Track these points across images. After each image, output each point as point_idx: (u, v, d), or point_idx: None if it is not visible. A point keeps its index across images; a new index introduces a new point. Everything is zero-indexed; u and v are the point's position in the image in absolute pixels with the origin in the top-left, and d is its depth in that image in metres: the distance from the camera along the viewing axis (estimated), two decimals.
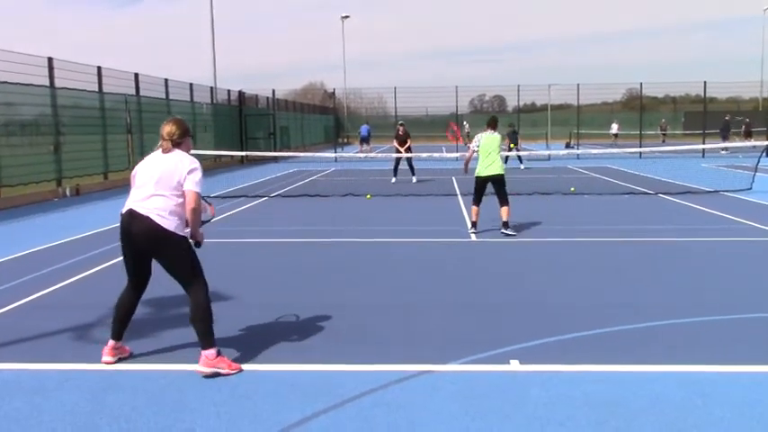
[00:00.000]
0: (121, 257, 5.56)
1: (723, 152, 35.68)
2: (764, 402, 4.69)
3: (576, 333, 6.24)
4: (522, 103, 45.78)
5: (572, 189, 19.06)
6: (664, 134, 53.76)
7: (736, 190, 18.08)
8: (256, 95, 41.62)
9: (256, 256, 10.39)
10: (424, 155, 27.42)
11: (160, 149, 5.44)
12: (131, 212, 5.27)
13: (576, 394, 4.84)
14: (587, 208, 15.55)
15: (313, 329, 6.44)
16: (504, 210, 11.71)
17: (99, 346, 5.80)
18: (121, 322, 5.53)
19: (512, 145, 27.63)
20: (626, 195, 17.84)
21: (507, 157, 26.88)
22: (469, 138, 57.95)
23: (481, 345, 5.90)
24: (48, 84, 19.37)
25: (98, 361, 5.54)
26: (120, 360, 5.60)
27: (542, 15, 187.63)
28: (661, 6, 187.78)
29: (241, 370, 5.38)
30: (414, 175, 22.21)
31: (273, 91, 41.45)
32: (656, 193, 17.98)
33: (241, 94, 38.10)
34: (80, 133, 20.94)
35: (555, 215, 14.04)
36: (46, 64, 19.35)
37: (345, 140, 58.31)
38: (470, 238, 11.58)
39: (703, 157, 34.75)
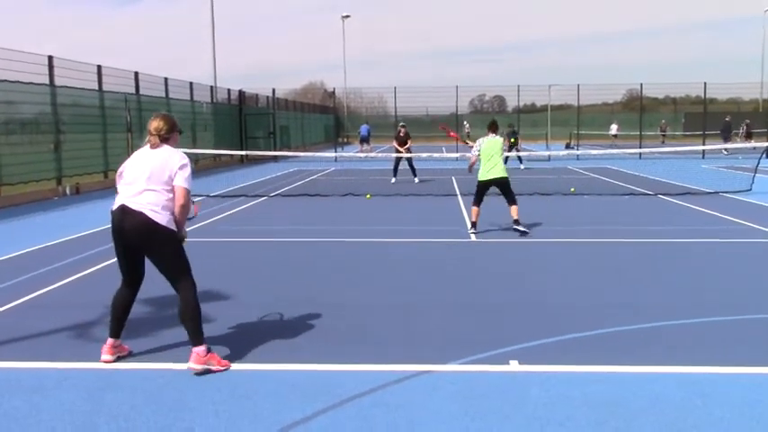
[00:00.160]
0: None
1: (725, 152, 35.65)
2: (764, 403, 4.69)
3: (576, 333, 6.24)
4: (522, 104, 45.83)
5: (572, 189, 19.06)
6: (663, 135, 53.70)
7: (735, 191, 18.08)
8: (256, 95, 41.61)
9: (256, 255, 10.38)
10: (424, 155, 27.41)
11: (148, 145, 5.44)
12: (124, 208, 5.26)
13: (575, 394, 4.83)
14: (587, 208, 15.55)
15: (313, 329, 6.44)
16: (514, 209, 11.66)
17: (98, 344, 5.79)
18: (118, 321, 5.54)
19: (512, 140, 27.59)
20: (626, 196, 17.84)
21: (507, 158, 26.83)
22: (470, 138, 58.11)
23: (481, 345, 5.89)
24: (48, 82, 19.36)
25: (97, 360, 5.54)
26: (119, 359, 5.60)
27: (542, 15, 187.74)
28: (661, 6, 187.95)
29: (230, 367, 5.41)
30: (415, 175, 22.17)
31: (273, 90, 41.48)
32: (656, 194, 17.98)
33: (241, 93, 38.09)
34: (80, 132, 20.93)
35: (555, 216, 14.03)
36: (46, 62, 19.34)
37: (345, 140, 58.31)
38: (470, 238, 11.57)
39: (703, 158, 34.75)
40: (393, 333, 6.32)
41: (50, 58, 19.51)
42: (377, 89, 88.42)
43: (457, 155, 28.53)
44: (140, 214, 5.20)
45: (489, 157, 11.68)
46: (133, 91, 24.65)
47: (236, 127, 36.40)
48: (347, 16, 64.04)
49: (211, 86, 34.26)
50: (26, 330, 6.42)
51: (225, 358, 5.61)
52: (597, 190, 19.28)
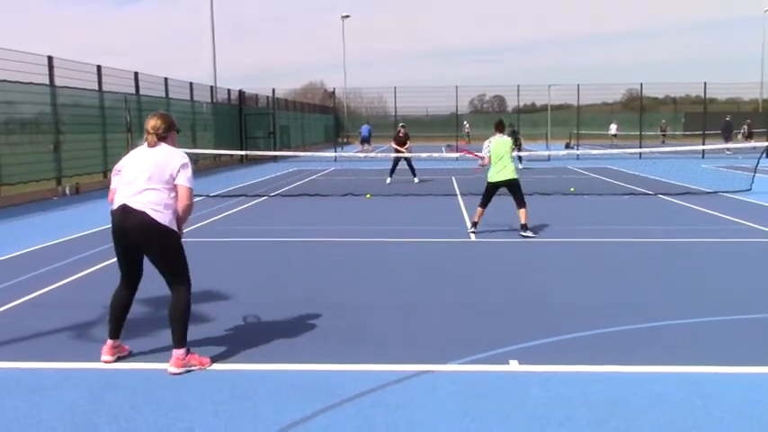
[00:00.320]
0: None
1: (728, 152, 35.59)
2: (764, 403, 4.69)
3: (576, 333, 6.24)
4: (522, 104, 45.84)
5: (572, 189, 19.05)
6: (663, 135, 53.67)
7: (735, 191, 18.08)
8: (256, 95, 41.61)
9: (255, 255, 10.38)
10: (424, 155, 27.40)
11: (145, 144, 5.44)
12: (125, 207, 5.26)
13: (575, 394, 4.83)
14: (587, 208, 15.56)
15: (312, 329, 6.44)
16: (522, 212, 11.52)
17: (98, 344, 5.79)
18: (117, 321, 5.54)
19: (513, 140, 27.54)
20: (626, 196, 17.83)
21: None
22: (469, 138, 58.10)
23: (481, 345, 5.89)
24: (48, 82, 19.36)
25: (97, 360, 5.54)
26: (119, 359, 5.60)
27: (542, 15, 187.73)
28: (661, 6, 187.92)
29: (211, 363, 5.43)
30: (415, 175, 22.14)
31: (273, 90, 41.48)
32: (656, 194, 17.98)
33: (241, 93, 38.09)
34: (80, 132, 20.92)
35: (555, 215, 14.03)
36: (46, 63, 19.33)
37: (345, 140, 58.30)
38: (469, 237, 11.57)
39: (703, 157, 34.75)
40: (393, 333, 6.32)
41: (50, 58, 19.50)
42: (377, 89, 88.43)
43: (456, 155, 28.51)
44: (142, 214, 5.20)
45: (499, 157, 11.52)
46: (133, 91, 24.64)
47: (236, 127, 36.39)
48: (347, 16, 64.06)
49: (211, 86, 34.26)
50: (26, 330, 6.42)
51: (224, 358, 5.62)
52: (597, 190, 19.28)
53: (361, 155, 38.54)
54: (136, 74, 25.01)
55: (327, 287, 8.17)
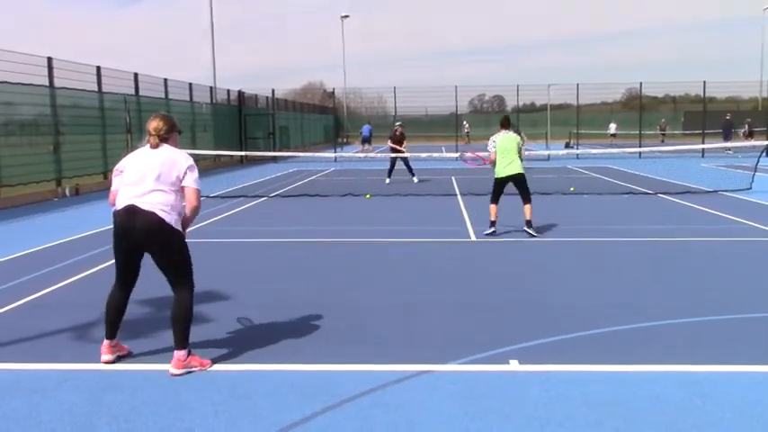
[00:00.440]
0: None
1: (729, 152, 35.53)
2: (764, 402, 4.69)
3: (576, 333, 6.24)
4: (521, 103, 45.85)
5: (572, 189, 19.06)
6: (663, 134, 53.60)
7: (735, 190, 18.09)
8: (256, 95, 41.60)
9: (255, 255, 10.38)
10: (424, 155, 27.40)
11: (147, 145, 5.44)
12: (133, 208, 5.25)
13: (575, 394, 4.83)
14: (587, 208, 15.56)
15: (312, 329, 6.44)
16: (527, 208, 11.50)
17: (98, 345, 5.78)
18: (113, 322, 5.53)
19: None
20: (625, 195, 17.84)
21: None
22: (469, 137, 58.11)
23: (481, 345, 5.89)
24: (47, 83, 19.35)
25: (97, 361, 5.54)
26: (119, 359, 5.60)
27: (542, 15, 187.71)
28: (661, 6, 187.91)
29: (211, 365, 5.42)
30: (413, 175, 22.11)
31: (273, 91, 41.46)
32: (656, 193, 17.98)
33: (240, 93, 38.08)
34: (79, 133, 20.91)
35: (554, 215, 14.02)
36: (45, 64, 19.33)
37: (345, 140, 58.29)
38: (469, 237, 11.57)
39: (703, 156, 34.75)
40: (393, 333, 6.32)
41: (50, 59, 19.50)
42: (376, 89, 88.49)
43: (456, 155, 28.47)
44: (152, 214, 5.21)
45: (506, 153, 11.51)
46: (133, 92, 24.64)
47: (236, 127, 36.39)
48: (346, 16, 64.06)
49: (211, 87, 34.26)
50: (26, 331, 6.42)
51: (224, 359, 5.63)
52: (597, 189, 19.28)
53: (361, 155, 38.53)
54: (135, 75, 25.00)
55: (327, 287, 8.17)
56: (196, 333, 6.19)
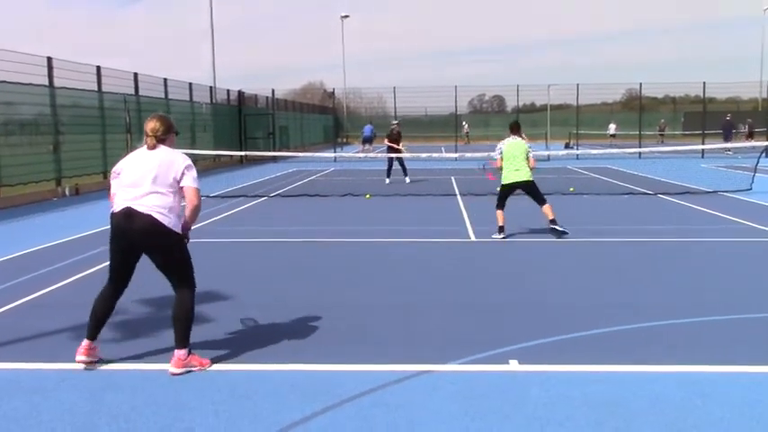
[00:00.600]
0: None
1: (729, 153, 35.50)
2: (764, 402, 4.69)
3: (576, 333, 6.24)
4: (521, 104, 45.83)
5: (571, 189, 19.05)
6: (662, 135, 53.47)
7: (735, 190, 18.09)
8: (255, 95, 41.59)
9: (255, 255, 10.38)
10: (423, 155, 27.39)
11: (144, 146, 5.41)
12: (130, 211, 5.23)
13: (575, 394, 4.83)
14: (587, 208, 15.55)
15: (312, 329, 6.44)
16: (547, 209, 11.29)
17: (98, 344, 5.79)
18: (98, 322, 5.48)
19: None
20: (625, 195, 17.84)
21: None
22: (468, 138, 58.12)
23: (481, 345, 5.89)
24: (47, 83, 19.35)
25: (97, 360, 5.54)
26: (117, 360, 5.60)
27: (542, 15, 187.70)
28: (660, 6, 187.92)
29: (211, 364, 5.42)
30: (406, 175, 22.08)
31: (273, 91, 41.46)
32: (656, 194, 17.99)
33: (240, 93, 38.08)
34: (79, 133, 20.91)
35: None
36: (45, 63, 19.33)
37: (345, 140, 58.29)
38: (469, 237, 11.57)
39: (702, 157, 34.75)
40: (393, 333, 6.32)
41: (49, 59, 19.50)
42: (376, 89, 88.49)
43: (456, 155, 28.50)
44: (148, 217, 5.19)
45: (512, 158, 11.29)
46: (132, 92, 24.64)
47: (236, 127, 36.38)
48: (346, 16, 64.03)
49: (210, 87, 34.25)
50: (26, 331, 6.42)
51: (224, 358, 5.63)
52: (597, 189, 19.28)
53: (361, 155, 38.52)
54: (135, 74, 25.00)
55: (327, 287, 8.17)
56: (196, 333, 6.19)
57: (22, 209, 16.54)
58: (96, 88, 22.07)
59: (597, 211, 15.04)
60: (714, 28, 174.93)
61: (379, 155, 36.69)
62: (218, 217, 14.49)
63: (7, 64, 17.48)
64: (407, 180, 21.81)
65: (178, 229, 5.33)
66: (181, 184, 5.33)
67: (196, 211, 5.41)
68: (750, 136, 39.79)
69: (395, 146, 22.05)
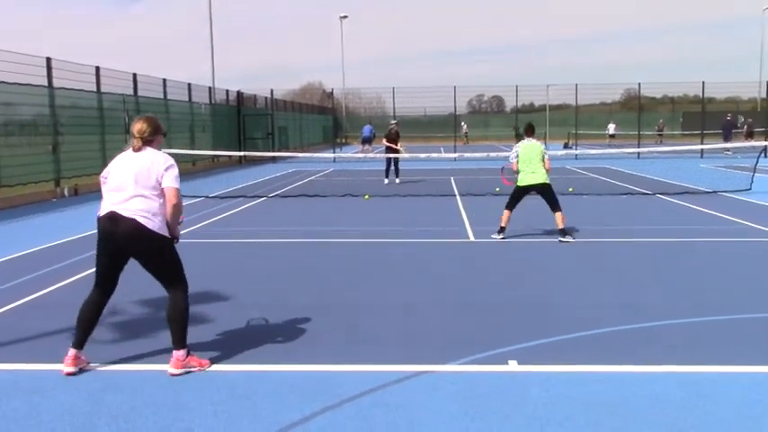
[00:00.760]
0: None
1: (728, 153, 35.48)
2: (763, 402, 4.69)
3: (575, 333, 6.24)
4: (520, 104, 45.81)
5: (570, 189, 19.04)
6: (660, 135, 53.42)
7: (734, 190, 18.10)
8: (255, 95, 41.58)
9: (254, 256, 10.37)
10: (423, 155, 27.39)
11: (131, 148, 5.36)
12: (114, 215, 5.18)
13: (574, 395, 4.83)
14: (586, 208, 15.56)
15: (312, 329, 6.43)
16: (558, 216, 11.17)
17: (98, 345, 5.81)
18: (86, 330, 5.42)
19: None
20: (624, 196, 17.84)
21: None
22: (467, 138, 58.12)
23: (480, 345, 5.89)
24: (46, 84, 19.34)
25: (97, 361, 5.54)
26: (117, 361, 5.59)
27: (541, 15, 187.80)
28: (660, 6, 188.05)
29: (210, 365, 5.41)
30: (398, 176, 22.08)
31: (272, 91, 41.46)
32: (655, 194, 17.99)
33: (239, 94, 38.08)
34: (78, 133, 20.89)
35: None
36: (44, 64, 19.32)
37: (344, 141, 58.28)
38: (469, 238, 11.57)
39: (701, 157, 34.77)
40: (392, 333, 6.32)
41: (48, 59, 19.49)
42: (375, 89, 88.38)
43: (455, 155, 28.50)
44: (132, 221, 5.14)
45: (528, 161, 11.21)
46: (131, 92, 24.64)
47: (235, 128, 36.37)
48: (345, 17, 64.01)
49: (210, 87, 34.26)
50: (25, 331, 6.41)
51: (223, 359, 5.62)
52: (596, 190, 19.28)
53: (360, 155, 38.53)
54: (134, 75, 25.00)
55: (327, 287, 8.16)
56: (195, 333, 6.20)
57: (21, 209, 16.54)
58: (95, 89, 22.06)
59: (596, 212, 15.04)
60: (713, 28, 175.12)
61: (379, 155, 36.71)
62: (218, 217, 14.49)
63: (6, 64, 17.47)
64: (397, 181, 21.83)
65: (164, 232, 5.26)
66: (162, 186, 5.25)
67: (176, 210, 5.28)
68: (749, 136, 39.77)
69: (393, 146, 22.04)
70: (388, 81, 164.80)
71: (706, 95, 37.91)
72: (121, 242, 5.21)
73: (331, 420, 4.46)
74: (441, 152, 35.19)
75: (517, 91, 42.04)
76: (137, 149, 5.33)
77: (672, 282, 8.31)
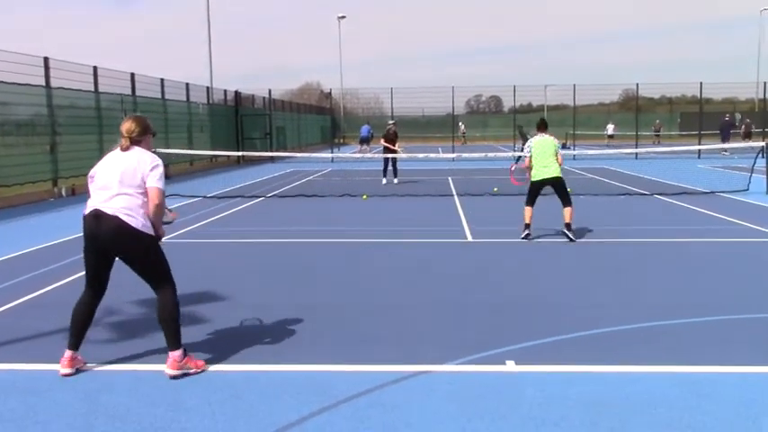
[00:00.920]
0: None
1: (725, 153, 35.47)
2: (760, 402, 4.70)
3: (573, 333, 6.24)
4: (518, 104, 45.75)
5: (569, 190, 19.01)
6: (657, 135, 53.37)
7: (732, 191, 18.12)
8: (253, 95, 41.57)
9: (252, 256, 10.37)
10: (421, 155, 27.40)
11: (118, 148, 5.34)
12: (97, 213, 5.17)
13: (571, 395, 4.84)
14: (583, 209, 15.54)
15: (309, 329, 6.43)
16: (567, 211, 11.23)
17: (94, 345, 5.81)
18: (79, 331, 5.40)
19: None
20: (622, 196, 17.86)
21: (520, 157, 26.40)
22: (465, 138, 58.13)
23: (477, 345, 5.90)
24: (44, 83, 19.33)
25: (93, 361, 5.54)
26: (113, 361, 5.59)
27: (539, 16, 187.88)
28: (657, 6, 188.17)
29: (207, 366, 5.38)
30: (396, 176, 22.10)
31: (270, 91, 41.43)
32: (652, 194, 18.01)
33: (237, 94, 38.07)
34: (76, 133, 20.88)
35: (551, 216, 14.00)
36: (42, 64, 19.31)
37: (342, 141, 58.27)
38: (466, 238, 11.58)
39: (699, 157, 34.81)
40: (389, 333, 6.32)
41: (46, 59, 19.48)
42: (373, 89, 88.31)
43: (453, 155, 28.51)
44: (115, 219, 5.12)
45: (542, 156, 11.28)
46: (129, 92, 24.63)
47: (233, 128, 36.37)
48: (343, 17, 64.04)
49: (207, 87, 34.25)
50: (22, 332, 6.41)
51: (220, 359, 5.62)
52: (594, 190, 19.29)
53: (358, 155, 38.53)
54: (132, 75, 24.99)
55: (324, 288, 8.17)
56: (192, 333, 6.21)
57: (18, 209, 16.53)
58: (93, 88, 22.04)
59: (594, 212, 15.04)
60: (711, 28, 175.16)
61: (377, 155, 36.73)
62: (215, 217, 14.49)
63: (4, 64, 17.46)
64: (395, 181, 21.83)
65: (147, 230, 5.22)
66: (147, 185, 5.22)
67: (158, 210, 5.24)
68: (747, 136, 39.78)
69: (390, 146, 22.04)
70: (387, 81, 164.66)
71: (704, 96, 37.94)
72: (105, 240, 5.18)
73: (327, 421, 4.46)
74: (439, 152, 35.17)
75: (515, 91, 42.00)
76: (124, 149, 5.31)
77: (668, 282, 8.32)
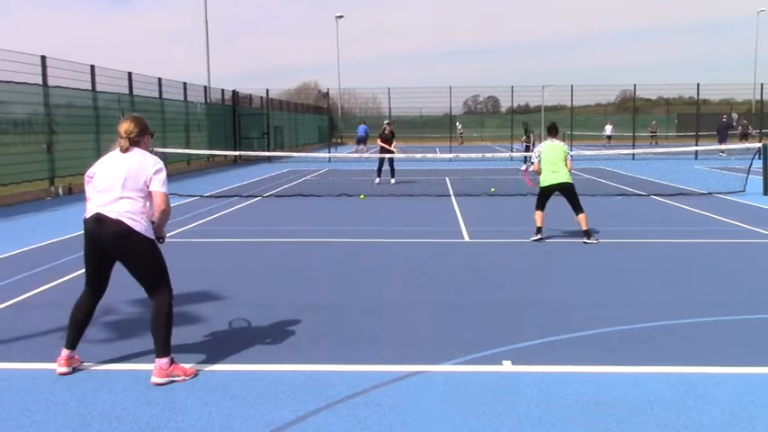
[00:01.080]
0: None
1: (722, 154, 35.48)
2: (756, 403, 4.70)
3: (571, 334, 6.25)
4: (515, 105, 45.77)
5: None
6: (654, 136, 53.36)
7: (729, 192, 18.15)
8: (250, 95, 41.54)
9: (248, 255, 10.36)
10: (418, 155, 27.40)
11: (117, 149, 5.31)
12: (99, 217, 5.15)
13: (568, 395, 4.84)
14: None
15: (306, 329, 6.43)
16: (582, 218, 11.15)
17: (92, 345, 5.80)
18: (78, 331, 5.39)
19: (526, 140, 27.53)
20: (618, 197, 17.87)
21: (526, 158, 26.23)
22: (462, 138, 58.15)
23: (474, 345, 5.90)
24: (41, 82, 19.30)
25: (89, 361, 5.54)
26: (110, 361, 5.58)
27: (537, 16, 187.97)
28: (655, 7, 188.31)
29: (196, 374, 5.30)
30: (393, 176, 22.06)
31: (267, 91, 41.42)
32: (649, 195, 18.03)
33: (235, 93, 38.04)
34: (73, 132, 20.86)
35: (549, 216, 14.02)
36: (39, 62, 19.28)
37: (339, 141, 58.25)
38: (463, 238, 11.59)
39: (696, 158, 34.85)
40: (386, 333, 6.32)
41: (43, 58, 19.45)
42: (370, 89, 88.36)
43: (451, 155, 28.51)
44: (118, 222, 5.10)
45: (551, 161, 11.22)
46: (127, 91, 24.60)
47: (230, 127, 36.34)
48: (341, 17, 64.02)
49: (205, 87, 34.21)
50: (19, 331, 6.40)
51: (217, 359, 5.62)
52: (591, 191, 19.29)
53: (356, 155, 38.54)
54: (129, 74, 24.96)
55: (321, 288, 8.16)
56: (188, 333, 6.21)
57: (15, 208, 16.50)
58: (90, 87, 22.02)
59: (591, 213, 14.99)
60: (708, 29, 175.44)
61: (374, 155, 36.73)
62: (212, 216, 14.48)
63: (1, 63, 17.43)
64: (393, 181, 21.81)
65: (149, 234, 5.21)
66: (150, 189, 5.20)
67: (165, 215, 5.25)
68: (744, 137, 39.81)
69: (386, 146, 22.01)
70: (384, 81, 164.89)
71: (701, 97, 38.03)
72: (107, 243, 5.17)
73: (324, 420, 4.46)
74: (436, 152, 35.19)
75: (513, 92, 42.03)
76: (124, 150, 5.28)
77: (665, 283, 8.33)
